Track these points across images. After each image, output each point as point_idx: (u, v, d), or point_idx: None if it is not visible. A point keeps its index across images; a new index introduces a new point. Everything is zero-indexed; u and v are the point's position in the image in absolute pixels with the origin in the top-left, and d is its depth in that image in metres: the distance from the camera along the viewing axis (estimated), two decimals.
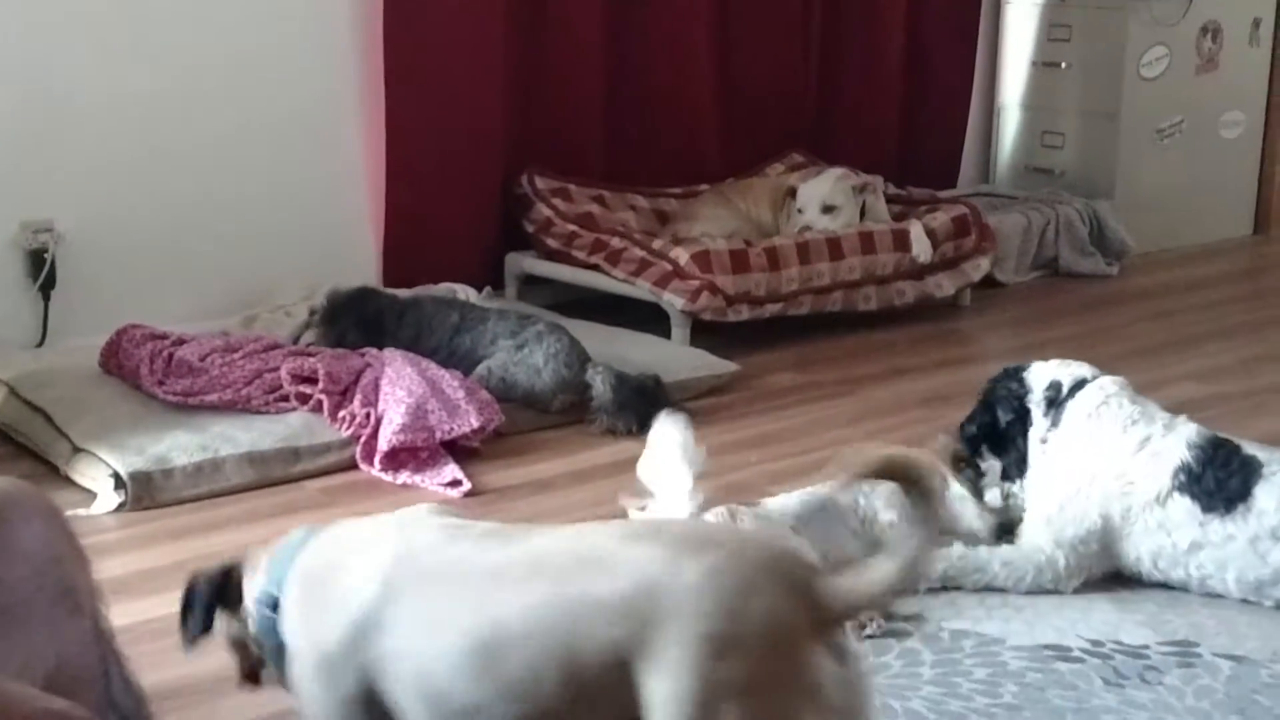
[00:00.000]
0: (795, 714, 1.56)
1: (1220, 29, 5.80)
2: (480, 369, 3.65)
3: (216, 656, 2.39)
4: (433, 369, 3.54)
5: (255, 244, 4.26)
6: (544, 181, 4.66)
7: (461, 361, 3.68)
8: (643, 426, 2.86)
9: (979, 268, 4.86)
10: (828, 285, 4.47)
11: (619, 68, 4.87)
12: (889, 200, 4.95)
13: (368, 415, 3.37)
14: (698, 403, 3.76)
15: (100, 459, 3.19)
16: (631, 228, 4.63)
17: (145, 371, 3.54)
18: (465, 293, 4.36)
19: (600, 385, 3.59)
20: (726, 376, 3.99)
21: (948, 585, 2.71)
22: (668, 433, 2.58)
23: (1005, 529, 2.82)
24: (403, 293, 4.08)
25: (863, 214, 4.72)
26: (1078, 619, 2.62)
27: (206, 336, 3.76)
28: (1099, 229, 5.44)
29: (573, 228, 4.54)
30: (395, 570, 1.70)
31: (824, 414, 3.80)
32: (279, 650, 1.79)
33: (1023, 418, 2.84)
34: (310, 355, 3.60)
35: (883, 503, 2.69)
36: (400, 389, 3.39)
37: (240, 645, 1.87)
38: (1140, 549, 2.71)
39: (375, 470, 3.31)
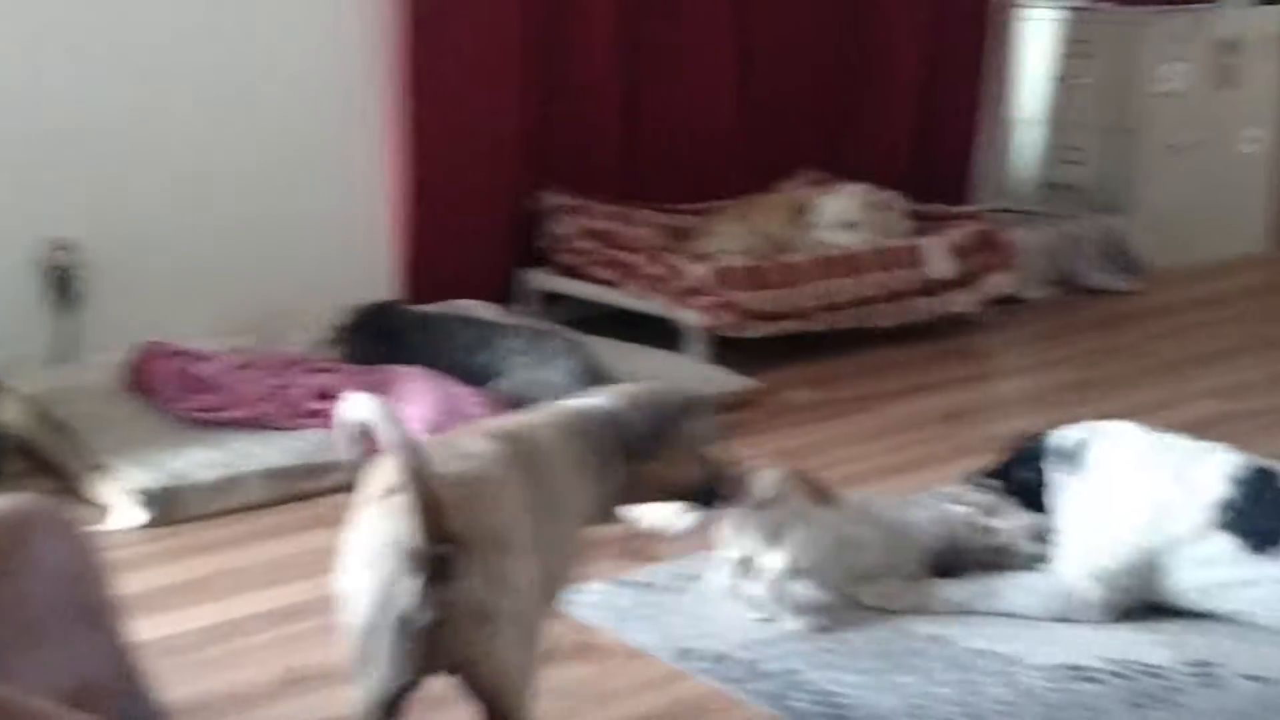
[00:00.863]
0: None
1: (1239, 44, 5.79)
2: (498, 385, 3.66)
3: (234, 673, 2.40)
4: (450, 385, 3.54)
5: (275, 261, 4.28)
6: (560, 198, 4.67)
7: (478, 378, 3.68)
8: None
9: (997, 284, 4.85)
10: (846, 301, 4.46)
11: (636, 85, 4.88)
12: (907, 216, 4.95)
13: None
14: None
15: (121, 475, 3.21)
16: (649, 244, 4.64)
17: (166, 388, 3.56)
18: (483, 309, 4.37)
19: None
20: (744, 393, 3.99)
21: (965, 610, 2.69)
22: None
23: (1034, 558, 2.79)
24: (421, 309, 4.09)
25: (881, 230, 4.72)
26: (1097, 639, 2.61)
27: (226, 353, 3.77)
28: (1118, 245, 5.43)
29: (590, 244, 4.55)
30: None
31: (842, 430, 3.80)
32: None
33: (1044, 482, 2.78)
34: (329, 371, 3.61)
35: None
36: (418, 406, 3.40)
37: None
38: (1181, 584, 2.66)
39: None
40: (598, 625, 2.66)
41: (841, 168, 5.23)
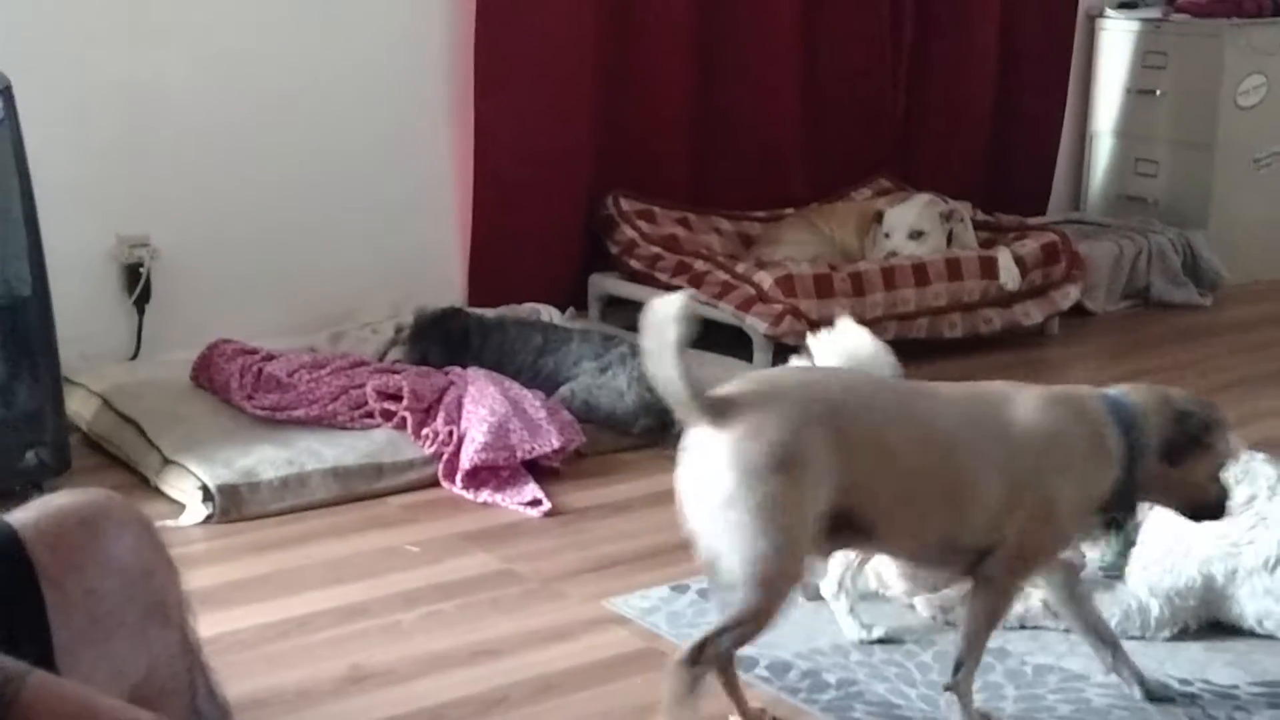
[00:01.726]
0: None
1: None
2: (563, 390, 3.67)
3: (300, 668, 2.41)
4: (515, 389, 3.56)
5: (344, 263, 4.31)
6: (629, 203, 4.68)
7: (545, 383, 3.69)
8: None
9: (1068, 296, 4.81)
10: (913, 311, 4.43)
11: (705, 91, 4.87)
12: (977, 227, 4.90)
13: (450, 433, 3.39)
14: None
15: (190, 471, 3.24)
16: (715, 251, 4.63)
17: (235, 386, 3.59)
18: (549, 313, 4.38)
19: None
20: None
21: (1026, 625, 2.67)
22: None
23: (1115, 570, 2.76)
24: (487, 313, 4.11)
25: (950, 240, 4.69)
26: (1165, 657, 2.57)
27: (295, 353, 3.80)
28: (1192, 259, 5.35)
29: (656, 250, 4.55)
30: None
31: None
32: None
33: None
34: (395, 373, 3.63)
35: None
36: (483, 408, 3.41)
37: None
38: (1246, 610, 2.63)
39: (456, 488, 3.33)
40: (661, 632, 2.66)
41: (912, 177, 5.20)
